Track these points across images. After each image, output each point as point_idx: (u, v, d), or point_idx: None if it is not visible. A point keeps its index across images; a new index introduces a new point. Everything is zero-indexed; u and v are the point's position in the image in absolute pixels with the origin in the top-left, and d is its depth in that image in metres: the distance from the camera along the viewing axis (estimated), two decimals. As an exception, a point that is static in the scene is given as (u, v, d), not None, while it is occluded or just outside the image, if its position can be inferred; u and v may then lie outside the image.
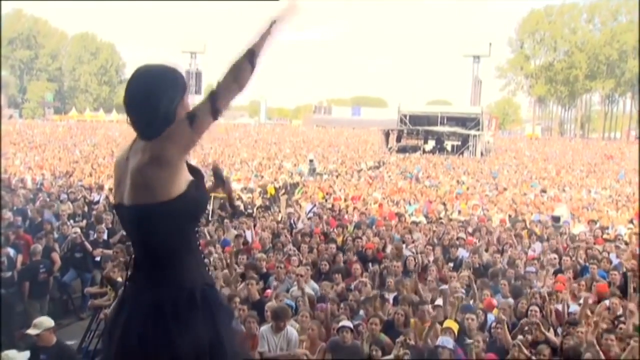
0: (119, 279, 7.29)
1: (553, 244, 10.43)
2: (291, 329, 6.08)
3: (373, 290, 7.45)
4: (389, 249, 9.85)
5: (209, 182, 2.51)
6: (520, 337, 5.99)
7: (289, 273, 8.10)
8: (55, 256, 9.26)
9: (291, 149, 37.04)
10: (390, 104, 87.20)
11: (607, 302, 7.04)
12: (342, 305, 6.81)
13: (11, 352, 5.27)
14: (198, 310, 2.11)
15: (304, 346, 6.02)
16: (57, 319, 9.00)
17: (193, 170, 2.21)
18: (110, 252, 9.27)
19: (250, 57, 2.06)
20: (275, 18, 2.14)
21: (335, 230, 11.44)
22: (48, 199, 13.42)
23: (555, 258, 9.31)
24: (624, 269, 8.74)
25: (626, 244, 10.94)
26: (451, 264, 9.23)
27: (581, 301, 7.10)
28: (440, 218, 14.34)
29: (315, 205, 15.26)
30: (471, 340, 5.76)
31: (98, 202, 14.28)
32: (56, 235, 10.12)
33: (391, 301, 7.29)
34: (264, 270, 8.41)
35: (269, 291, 7.44)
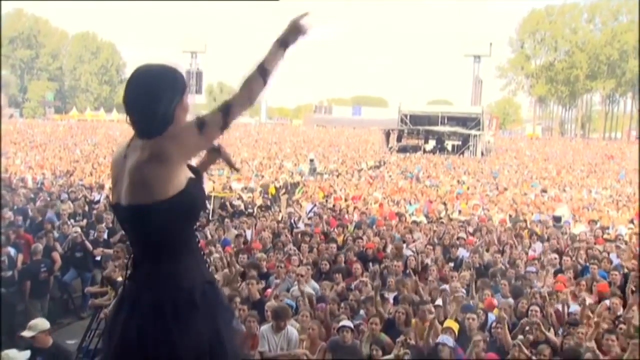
0: (119, 279, 7.29)
1: (553, 243, 10.42)
2: (291, 328, 6.08)
3: (372, 289, 7.45)
4: (389, 248, 9.86)
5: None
6: (520, 337, 5.99)
7: (289, 273, 8.11)
8: (56, 255, 9.28)
9: (292, 148, 37.04)
10: (390, 104, 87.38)
11: (607, 302, 7.05)
12: (342, 304, 6.81)
13: (11, 352, 5.26)
14: (198, 310, 2.10)
15: (304, 346, 6.02)
16: (58, 318, 9.08)
17: (193, 170, 2.22)
18: (110, 251, 9.27)
19: (263, 74, 2.08)
20: (281, 38, 2.14)
21: (335, 230, 11.45)
22: (49, 199, 13.42)
23: (555, 258, 9.31)
24: (625, 269, 8.74)
25: (626, 243, 10.94)
26: (451, 264, 9.23)
27: (582, 301, 7.11)
28: (441, 218, 14.35)
29: (315, 205, 15.27)
30: (479, 338, 5.75)
31: (98, 201, 14.30)
32: (57, 235, 10.12)
33: (391, 301, 7.30)
34: (265, 269, 8.41)
35: (269, 291, 7.45)
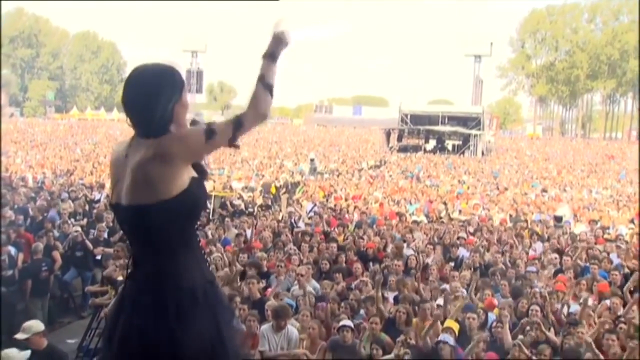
0: (120, 278, 7.29)
1: (554, 243, 10.43)
2: (292, 328, 6.08)
3: (374, 286, 7.45)
4: (389, 248, 9.86)
5: None
6: (520, 336, 6.00)
7: (290, 272, 8.11)
8: (56, 255, 9.27)
9: (292, 148, 37.05)
10: (391, 104, 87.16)
11: (607, 302, 7.05)
12: (342, 304, 6.81)
13: (11, 351, 5.25)
14: (200, 309, 2.11)
15: (304, 345, 6.02)
16: (58, 317, 9.10)
17: (196, 169, 2.21)
18: (111, 250, 9.27)
19: (268, 89, 2.13)
20: (268, 52, 2.19)
21: (336, 229, 11.45)
22: (50, 198, 13.43)
23: (556, 258, 9.31)
24: (625, 269, 8.74)
25: (627, 243, 10.93)
26: (452, 264, 9.23)
27: (582, 300, 7.11)
28: (441, 217, 14.36)
29: (316, 204, 15.27)
30: (481, 337, 5.75)
31: (99, 200, 14.30)
32: (57, 234, 10.13)
33: (391, 300, 7.30)
34: (265, 269, 8.41)
35: (269, 290, 7.45)
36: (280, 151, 34.04)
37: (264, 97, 2.12)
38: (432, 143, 41.07)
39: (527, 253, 10.08)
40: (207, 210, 13.71)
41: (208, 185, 2.51)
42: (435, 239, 10.79)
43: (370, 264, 8.97)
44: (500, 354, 5.83)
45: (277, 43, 2.19)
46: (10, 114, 66.93)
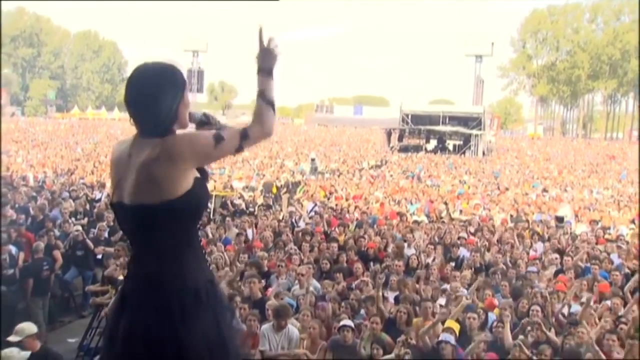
0: (120, 277, 7.29)
1: (554, 243, 10.42)
2: (292, 327, 6.08)
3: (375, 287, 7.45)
4: (390, 248, 9.86)
5: None
6: (521, 337, 5.99)
7: (290, 272, 8.11)
8: (57, 254, 9.28)
9: (293, 147, 37.03)
10: (392, 103, 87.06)
11: (608, 302, 7.04)
12: (343, 304, 6.81)
13: (12, 351, 5.24)
14: (204, 309, 2.11)
15: (305, 345, 6.02)
16: (59, 316, 9.10)
17: (198, 168, 2.21)
18: (111, 249, 9.27)
19: (270, 104, 2.21)
20: (264, 68, 2.23)
21: (336, 229, 11.45)
22: (51, 197, 13.43)
23: (556, 258, 9.31)
24: (626, 269, 8.74)
25: (628, 244, 10.93)
26: (452, 264, 9.23)
27: (583, 300, 7.11)
28: (442, 217, 14.36)
29: (316, 204, 15.27)
30: (481, 337, 5.75)
31: (100, 199, 14.32)
32: (58, 233, 10.13)
33: (392, 300, 7.29)
34: (266, 268, 8.41)
35: (270, 290, 7.45)
36: (281, 151, 34.03)
37: (267, 114, 2.19)
38: (433, 143, 41.03)
39: (527, 253, 10.08)
40: (208, 210, 13.71)
41: (209, 184, 2.51)
42: (436, 239, 10.78)
43: (371, 263, 8.97)
44: (500, 354, 5.83)
45: (269, 57, 2.23)
46: (12, 113, 67.01)
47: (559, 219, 13.95)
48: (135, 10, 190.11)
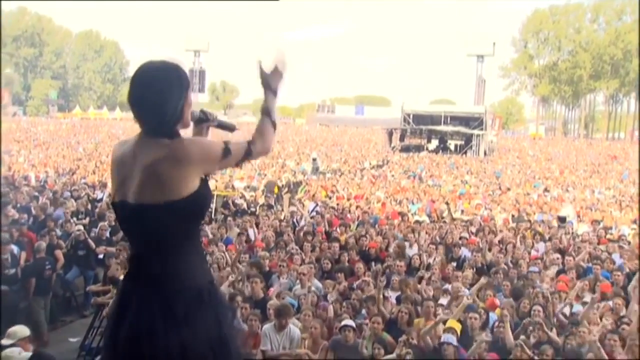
0: (122, 277, 7.29)
1: (556, 243, 10.41)
2: (294, 327, 6.08)
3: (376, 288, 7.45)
4: (392, 248, 9.86)
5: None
6: (522, 337, 5.99)
7: (292, 271, 8.11)
8: (59, 253, 9.30)
9: (294, 147, 37.00)
10: (393, 103, 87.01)
11: (610, 302, 7.04)
12: (344, 304, 6.81)
13: (12, 351, 5.24)
14: (205, 309, 2.11)
15: (306, 345, 6.03)
16: (60, 316, 9.11)
17: None
18: (113, 249, 9.30)
19: (273, 125, 2.36)
20: (272, 88, 2.36)
21: (338, 229, 11.44)
22: (53, 197, 13.44)
23: (558, 258, 9.30)
24: (627, 269, 8.73)
25: (629, 244, 10.92)
26: (454, 264, 9.22)
27: (585, 300, 7.10)
28: (443, 217, 14.34)
29: (318, 204, 15.26)
30: (483, 338, 5.75)
31: (101, 199, 14.33)
32: (59, 233, 10.14)
33: (393, 300, 7.29)
34: (267, 268, 8.41)
35: (272, 289, 7.45)
36: (283, 150, 34.01)
37: (270, 132, 2.33)
38: (435, 143, 41.00)
39: (529, 253, 10.06)
40: (210, 210, 13.72)
41: (210, 184, 2.52)
42: (438, 239, 10.78)
43: (373, 263, 8.97)
44: (502, 354, 5.83)
45: (278, 78, 2.36)
46: (13, 113, 67.06)
47: (562, 219, 13.94)
48: (137, 10, 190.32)
